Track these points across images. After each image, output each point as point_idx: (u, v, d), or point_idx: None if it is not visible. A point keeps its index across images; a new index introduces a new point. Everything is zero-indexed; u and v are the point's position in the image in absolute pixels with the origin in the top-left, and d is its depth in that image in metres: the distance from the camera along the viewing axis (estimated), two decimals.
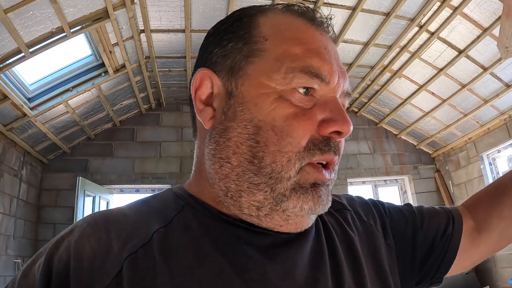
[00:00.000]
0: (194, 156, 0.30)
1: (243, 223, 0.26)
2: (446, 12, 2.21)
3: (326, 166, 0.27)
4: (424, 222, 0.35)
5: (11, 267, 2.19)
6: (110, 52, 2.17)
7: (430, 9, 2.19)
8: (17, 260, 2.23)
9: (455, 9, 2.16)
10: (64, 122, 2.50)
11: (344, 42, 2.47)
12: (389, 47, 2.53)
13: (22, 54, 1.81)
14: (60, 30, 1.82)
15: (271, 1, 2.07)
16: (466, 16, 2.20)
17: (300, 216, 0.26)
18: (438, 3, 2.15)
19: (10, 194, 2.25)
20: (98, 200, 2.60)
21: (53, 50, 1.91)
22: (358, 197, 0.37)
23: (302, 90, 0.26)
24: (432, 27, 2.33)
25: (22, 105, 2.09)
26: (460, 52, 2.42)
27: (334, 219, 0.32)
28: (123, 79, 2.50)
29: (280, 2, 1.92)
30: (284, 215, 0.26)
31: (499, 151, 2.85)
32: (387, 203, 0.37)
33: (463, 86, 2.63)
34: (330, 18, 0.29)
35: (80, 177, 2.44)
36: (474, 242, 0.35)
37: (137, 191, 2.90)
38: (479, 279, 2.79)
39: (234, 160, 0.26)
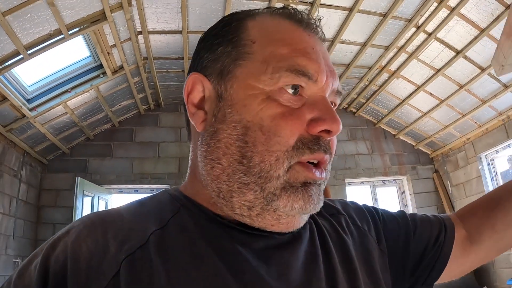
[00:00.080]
0: (189, 159, 0.30)
1: (238, 225, 0.26)
2: (443, 12, 2.21)
3: (317, 165, 0.27)
4: (417, 229, 0.35)
5: (11, 266, 2.22)
6: (108, 53, 2.18)
7: (427, 10, 2.19)
8: (17, 260, 2.26)
9: (452, 9, 2.16)
10: (63, 123, 2.52)
11: (342, 43, 2.47)
12: (387, 48, 2.53)
13: (21, 56, 1.83)
14: (58, 32, 1.83)
15: (267, 3, 2.07)
16: (463, 17, 2.20)
17: (291, 215, 0.26)
18: (435, 4, 2.15)
19: (9, 195, 2.27)
20: (97, 200, 2.62)
21: (52, 51, 1.93)
22: (353, 202, 0.38)
23: (290, 90, 0.26)
24: (430, 27, 2.33)
25: (21, 106, 2.11)
26: (458, 52, 2.41)
27: (329, 223, 0.33)
28: (122, 80, 2.52)
29: (276, 4, 1.92)
30: (275, 215, 0.26)
31: (497, 152, 2.85)
32: (381, 209, 0.38)
33: (461, 86, 2.63)
34: (319, 19, 0.29)
35: (79, 178, 2.46)
36: (465, 251, 0.35)
37: (136, 191, 2.92)
38: (477, 279, 2.79)
39: (224, 161, 0.26)
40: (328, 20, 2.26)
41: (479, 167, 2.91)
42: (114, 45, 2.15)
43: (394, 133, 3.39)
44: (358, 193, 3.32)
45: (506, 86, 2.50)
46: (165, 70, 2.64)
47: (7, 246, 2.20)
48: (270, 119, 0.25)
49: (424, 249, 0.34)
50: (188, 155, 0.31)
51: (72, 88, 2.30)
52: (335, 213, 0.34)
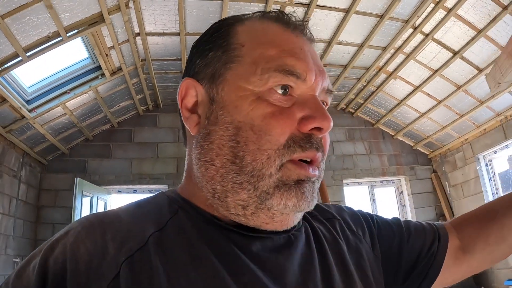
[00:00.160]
0: (185, 162, 0.31)
1: (235, 226, 0.27)
2: (440, 13, 2.21)
3: (310, 163, 0.27)
4: (411, 237, 0.36)
5: (10, 266, 2.24)
6: (107, 55, 2.20)
7: (424, 11, 2.19)
8: (16, 260, 2.28)
9: (449, 10, 2.16)
10: (62, 123, 2.54)
11: (339, 44, 2.48)
12: (384, 49, 2.53)
13: (20, 58, 1.85)
14: (57, 34, 1.85)
15: (264, 4, 2.09)
16: (460, 18, 2.20)
17: (285, 214, 0.26)
18: (432, 5, 2.15)
19: (9, 195, 2.30)
20: (95, 201, 2.64)
21: (50, 53, 1.95)
22: (348, 208, 0.38)
23: (280, 90, 0.26)
24: (427, 28, 2.33)
25: (20, 108, 2.13)
26: (455, 53, 2.41)
27: (324, 227, 0.33)
28: (120, 81, 2.54)
29: (273, 6, 1.93)
30: (270, 213, 0.26)
31: (495, 152, 2.85)
32: (376, 215, 0.38)
33: (459, 87, 2.63)
34: (307, 21, 0.30)
35: (78, 178, 2.48)
36: (458, 260, 0.36)
37: (135, 191, 2.94)
38: (474, 280, 2.79)
39: (217, 162, 0.26)
40: (325, 21, 2.27)
41: (477, 168, 2.91)
42: (112, 47, 2.17)
43: (392, 134, 3.39)
44: (356, 193, 3.33)
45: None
46: (163, 71, 2.65)
47: (6, 246, 2.22)
48: (260, 118, 0.25)
49: (417, 257, 0.35)
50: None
51: (71, 89, 2.32)
52: (331, 218, 0.35)
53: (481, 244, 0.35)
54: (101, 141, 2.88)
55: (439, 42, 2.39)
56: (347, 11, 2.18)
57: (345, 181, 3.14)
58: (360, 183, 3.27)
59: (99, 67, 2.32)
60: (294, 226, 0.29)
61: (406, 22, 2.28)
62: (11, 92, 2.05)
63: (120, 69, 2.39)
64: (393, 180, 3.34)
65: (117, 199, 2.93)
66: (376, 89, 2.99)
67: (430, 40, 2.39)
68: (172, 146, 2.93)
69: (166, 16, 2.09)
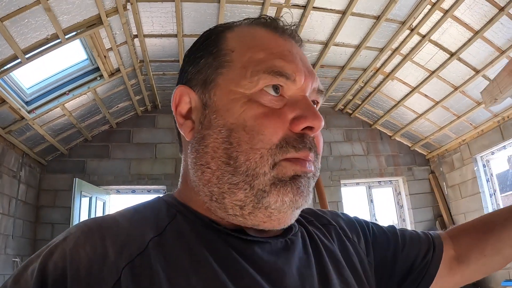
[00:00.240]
0: (181, 169, 0.31)
1: (233, 231, 0.27)
2: (437, 15, 2.21)
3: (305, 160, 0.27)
4: (406, 245, 0.36)
5: (10, 266, 2.26)
6: (105, 56, 2.22)
7: (421, 12, 2.20)
8: (16, 259, 2.30)
9: (446, 12, 2.17)
10: (61, 124, 2.56)
11: (336, 45, 2.48)
12: (381, 50, 2.54)
13: (19, 60, 1.87)
14: (55, 36, 1.87)
15: (260, 6, 2.10)
16: (457, 19, 2.20)
17: (282, 212, 0.27)
18: (429, 6, 2.16)
19: (9, 195, 2.32)
20: (94, 201, 2.66)
21: (49, 55, 1.97)
22: (343, 214, 0.39)
23: (271, 91, 0.27)
24: (423, 30, 2.34)
25: (20, 109, 2.15)
26: (452, 54, 2.42)
27: (320, 232, 0.33)
28: (119, 82, 2.55)
29: (269, 8, 1.93)
30: (267, 212, 0.26)
31: (493, 153, 2.85)
32: (372, 222, 0.39)
33: (456, 88, 2.64)
34: (294, 25, 0.31)
35: (77, 179, 2.50)
36: (452, 270, 0.36)
37: (133, 191, 2.96)
38: None
39: (213, 164, 0.27)
40: (321, 23, 2.28)
41: (475, 169, 2.92)
42: (111, 49, 2.19)
43: (390, 134, 3.40)
44: (353, 194, 3.34)
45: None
46: (162, 73, 2.67)
47: (6, 245, 2.24)
48: (253, 119, 0.26)
49: (411, 265, 0.35)
50: None
51: (70, 91, 2.34)
52: (326, 224, 0.35)
53: (476, 255, 0.36)
54: (100, 141, 2.90)
55: (436, 44, 2.40)
56: (343, 13, 2.19)
57: (342, 181, 3.15)
58: (357, 183, 3.28)
59: (97, 69, 2.34)
60: (291, 231, 0.30)
61: (403, 23, 2.29)
62: (11, 93, 2.07)
63: (118, 70, 2.40)
64: (391, 180, 3.35)
65: (116, 199, 2.95)
66: (374, 90, 3.00)
67: (427, 42, 2.40)
68: (171, 146, 2.94)
69: (164, 18, 2.11)
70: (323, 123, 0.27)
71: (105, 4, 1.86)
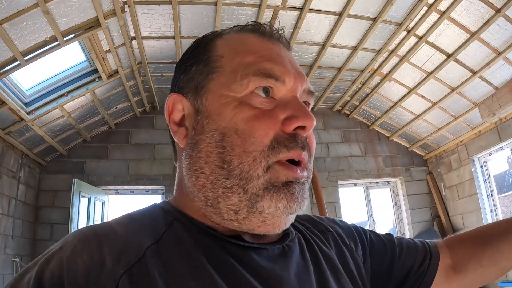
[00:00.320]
0: (176, 177, 0.31)
1: (230, 237, 0.27)
2: (433, 16, 2.22)
3: (298, 164, 0.27)
4: (402, 253, 0.37)
5: (9, 265, 2.28)
6: (103, 58, 2.23)
7: (417, 14, 2.20)
8: (15, 259, 2.32)
9: (442, 13, 2.18)
10: (60, 125, 2.58)
11: (333, 47, 2.50)
12: (378, 51, 2.55)
13: (18, 62, 1.89)
14: (54, 38, 1.89)
15: (257, 9, 2.11)
16: (453, 21, 2.21)
17: (277, 216, 0.27)
18: (425, 8, 2.17)
19: (8, 195, 2.34)
20: (93, 201, 2.68)
21: (48, 57, 1.99)
22: (341, 221, 0.39)
23: (262, 93, 0.27)
24: (420, 31, 2.34)
25: (19, 110, 2.17)
26: (449, 56, 2.43)
27: (318, 238, 0.34)
28: (117, 84, 2.57)
29: (265, 11, 1.94)
30: (261, 217, 0.26)
31: (490, 154, 2.86)
32: (369, 230, 0.39)
33: (453, 89, 2.64)
34: (282, 29, 0.31)
35: (76, 179, 2.52)
36: (448, 279, 0.37)
37: (132, 192, 2.98)
38: None
39: (207, 169, 0.27)
40: (318, 25, 2.29)
41: (472, 170, 2.92)
42: (109, 50, 2.21)
43: (388, 135, 3.40)
44: (351, 194, 3.35)
45: (498, 89, 2.51)
46: (160, 74, 2.69)
47: (5, 245, 2.27)
48: (244, 122, 0.26)
49: (407, 273, 0.35)
50: None
51: (69, 92, 2.36)
52: (324, 230, 0.35)
53: (473, 265, 0.36)
54: (98, 142, 2.92)
55: (433, 45, 2.41)
56: (340, 15, 2.20)
57: (340, 182, 3.16)
58: (355, 184, 3.29)
59: (96, 70, 2.36)
60: (289, 237, 0.30)
61: (400, 25, 2.29)
62: (10, 95, 2.09)
63: (116, 72, 2.42)
64: (389, 181, 3.35)
65: (114, 200, 2.98)
66: (371, 91, 3.01)
67: (424, 43, 2.41)
68: (169, 147, 2.84)
69: (161, 21, 2.12)
70: (314, 123, 0.27)
71: (103, 7, 1.88)
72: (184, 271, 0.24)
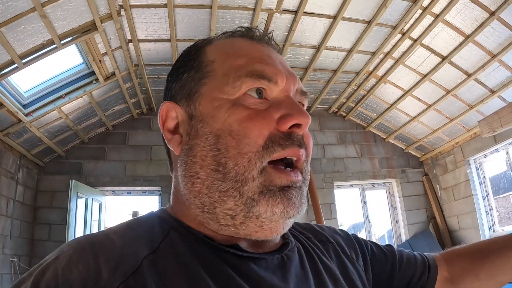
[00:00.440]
0: (172, 186, 0.31)
1: (228, 246, 0.27)
2: (428, 19, 2.23)
3: (294, 166, 0.27)
4: (403, 264, 0.37)
5: (8, 265, 2.31)
6: (100, 61, 2.26)
7: (412, 17, 2.22)
8: (13, 259, 2.35)
9: (437, 16, 2.19)
10: (58, 127, 2.61)
11: (328, 49, 2.51)
12: (373, 54, 2.56)
13: (16, 65, 1.91)
14: (51, 42, 1.92)
15: (252, 12, 2.13)
16: (448, 23, 2.22)
17: (274, 221, 0.27)
18: (420, 11, 2.18)
19: (7, 196, 2.37)
20: (90, 202, 2.70)
21: (46, 60, 2.01)
22: (342, 231, 0.39)
23: (255, 94, 0.27)
24: (415, 34, 2.36)
25: (17, 112, 2.20)
26: (444, 58, 2.44)
27: (318, 248, 0.33)
28: (114, 86, 2.60)
29: (260, 14, 1.95)
30: (258, 221, 0.26)
31: (485, 156, 2.86)
32: (370, 241, 0.40)
33: (448, 92, 2.65)
34: (271, 33, 0.32)
35: (73, 180, 2.54)
36: None
37: (129, 193, 3.00)
38: None
39: (202, 174, 0.27)
40: (313, 28, 2.31)
41: (468, 171, 2.93)
42: (106, 53, 2.23)
43: (384, 137, 3.42)
44: (347, 196, 3.37)
45: (493, 92, 2.52)
46: (156, 76, 2.71)
47: (4, 245, 2.29)
48: (238, 123, 0.26)
49: (407, 284, 0.36)
50: None
51: (66, 94, 2.39)
52: (324, 241, 0.35)
53: (470, 278, 0.37)
54: (96, 143, 2.95)
55: (428, 47, 2.42)
56: (334, 18, 2.21)
57: (336, 183, 3.17)
58: (351, 185, 3.30)
59: (93, 73, 2.38)
60: (288, 246, 0.30)
61: (394, 27, 2.31)
62: (8, 97, 2.12)
63: (113, 74, 2.45)
64: (385, 182, 3.36)
65: (111, 201, 3.00)
66: (367, 93, 3.02)
67: (419, 46, 2.42)
68: (164, 147, 2.98)
69: (157, 24, 2.15)
70: (310, 120, 0.27)
71: (99, 10, 1.90)
72: (181, 282, 0.24)
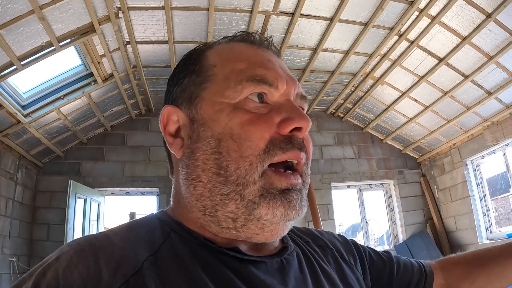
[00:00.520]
0: (172, 189, 0.31)
1: (228, 249, 0.27)
2: (424, 21, 2.25)
3: (294, 170, 0.27)
4: (400, 271, 0.38)
5: (7, 265, 2.33)
6: (98, 62, 2.27)
7: (408, 19, 2.23)
8: (12, 259, 2.37)
9: (434, 18, 2.20)
10: (57, 128, 2.63)
11: (325, 51, 2.52)
12: (370, 55, 2.57)
13: (15, 67, 1.93)
14: (50, 44, 1.93)
15: (249, 14, 2.14)
16: (444, 25, 2.23)
17: (275, 223, 0.27)
18: (417, 13, 2.19)
19: (6, 196, 2.38)
20: (89, 202, 2.72)
21: (45, 61, 2.03)
22: (340, 236, 0.40)
23: (256, 99, 0.28)
24: (412, 35, 2.37)
25: (16, 113, 2.21)
26: (441, 60, 2.45)
27: (316, 253, 0.34)
28: (112, 87, 2.61)
29: (257, 17, 1.97)
30: (259, 224, 0.26)
31: (483, 157, 2.87)
32: (368, 247, 0.40)
33: (445, 93, 2.66)
34: (270, 37, 0.32)
35: (72, 180, 2.56)
36: None
37: (127, 193, 3.02)
38: None
39: (204, 177, 0.27)
40: (310, 30, 2.32)
41: (465, 172, 2.94)
42: (104, 55, 2.25)
43: (381, 138, 3.42)
44: (344, 196, 3.38)
45: (490, 93, 2.53)
46: (154, 77, 2.73)
47: (3, 245, 2.31)
48: (239, 126, 0.26)
49: None
50: None
51: (65, 95, 2.41)
52: (323, 246, 0.36)
53: (466, 286, 0.38)
54: (95, 144, 2.96)
55: (424, 49, 2.43)
56: (331, 20, 2.23)
57: (333, 184, 3.18)
58: (348, 186, 3.31)
59: (91, 74, 2.40)
60: (287, 250, 0.30)
61: (391, 29, 2.32)
62: (7, 98, 2.13)
63: (112, 75, 2.46)
64: (382, 183, 3.37)
65: (110, 201, 3.02)
66: (364, 94, 3.03)
67: (415, 47, 2.43)
68: (164, 149, 2.99)
69: (155, 26, 2.16)
70: (310, 124, 0.27)
71: (97, 13, 1.92)
72: (181, 284, 0.24)
